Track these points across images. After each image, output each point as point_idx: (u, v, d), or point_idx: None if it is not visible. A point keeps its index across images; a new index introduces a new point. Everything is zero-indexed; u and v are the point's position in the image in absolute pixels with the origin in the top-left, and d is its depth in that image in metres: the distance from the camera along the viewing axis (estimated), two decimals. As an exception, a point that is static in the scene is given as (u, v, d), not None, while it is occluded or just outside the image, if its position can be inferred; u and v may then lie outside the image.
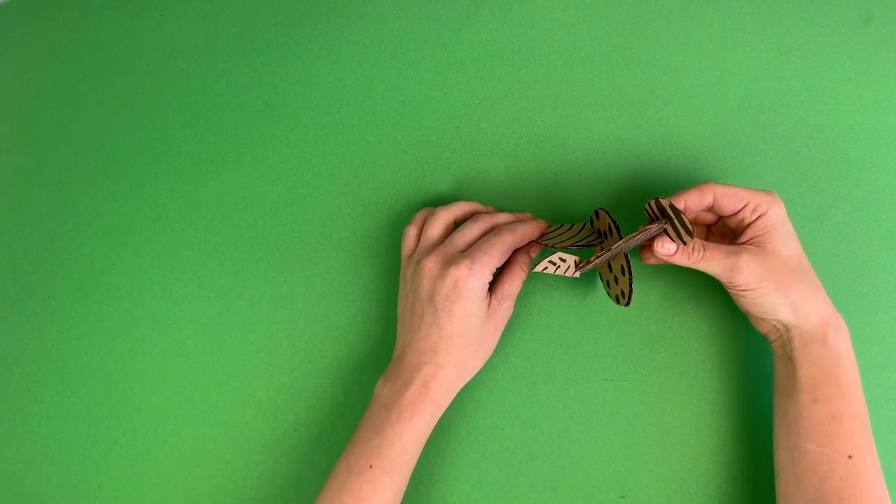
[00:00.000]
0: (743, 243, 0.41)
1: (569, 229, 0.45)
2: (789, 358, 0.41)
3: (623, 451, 0.46)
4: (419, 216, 0.47)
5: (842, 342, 0.40)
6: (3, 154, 0.55)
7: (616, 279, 0.43)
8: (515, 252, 0.44)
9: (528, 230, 0.43)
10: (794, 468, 0.39)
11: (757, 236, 0.41)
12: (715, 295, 0.47)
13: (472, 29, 0.53)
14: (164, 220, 0.52)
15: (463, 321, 0.41)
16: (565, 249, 0.42)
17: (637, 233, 0.40)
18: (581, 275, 0.44)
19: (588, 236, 0.44)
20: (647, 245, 0.43)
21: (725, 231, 0.45)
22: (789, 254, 0.41)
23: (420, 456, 0.42)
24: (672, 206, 0.39)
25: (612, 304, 0.47)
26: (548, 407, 0.47)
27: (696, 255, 0.40)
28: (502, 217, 0.45)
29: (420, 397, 0.41)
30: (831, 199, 0.48)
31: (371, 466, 0.40)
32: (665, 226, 0.40)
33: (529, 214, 0.46)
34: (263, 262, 0.50)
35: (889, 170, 0.48)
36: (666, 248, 0.40)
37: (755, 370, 0.46)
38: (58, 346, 0.51)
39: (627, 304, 0.42)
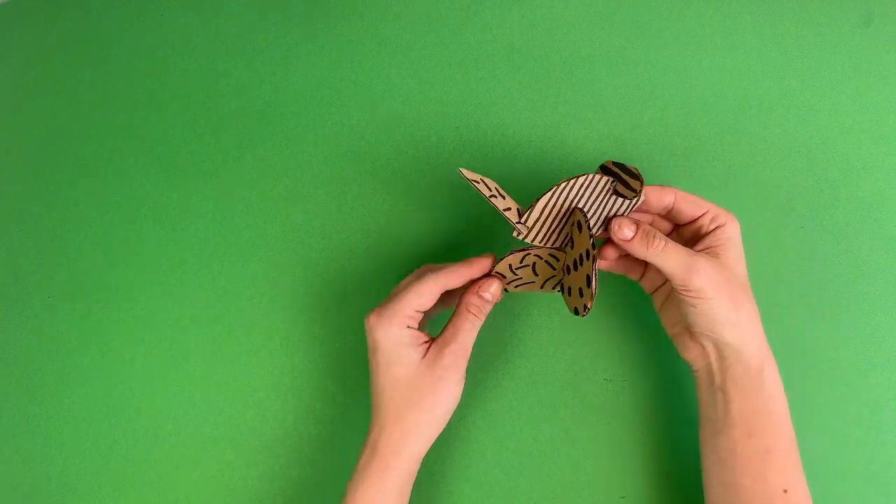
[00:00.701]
0: (700, 251, 0.40)
1: (523, 263, 0.41)
2: (721, 390, 0.39)
3: (623, 451, 0.46)
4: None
5: (775, 374, 0.39)
6: (3, 154, 0.55)
7: (581, 291, 0.40)
8: (465, 293, 0.41)
9: (461, 269, 0.40)
10: (729, 502, 0.38)
11: (713, 247, 0.39)
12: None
13: (472, 29, 0.53)
14: (164, 220, 0.52)
15: (388, 372, 0.39)
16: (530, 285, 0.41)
17: (576, 177, 0.38)
18: (522, 235, 0.40)
19: (550, 277, 0.42)
20: (607, 245, 0.42)
21: (679, 243, 0.43)
22: (740, 272, 0.39)
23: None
24: (613, 162, 0.38)
25: (614, 303, 0.47)
26: (548, 407, 0.47)
27: (656, 242, 0.38)
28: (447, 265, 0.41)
29: (369, 461, 0.39)
30: (831, 199, 0.48)
31: None
32: (614, 183, 0.39)
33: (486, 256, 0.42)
34: (263, 262, 0.50)
35: (889, 170, 0.48)
36: (623, 232, 0.38)
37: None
38: (58, 346, 0.51)
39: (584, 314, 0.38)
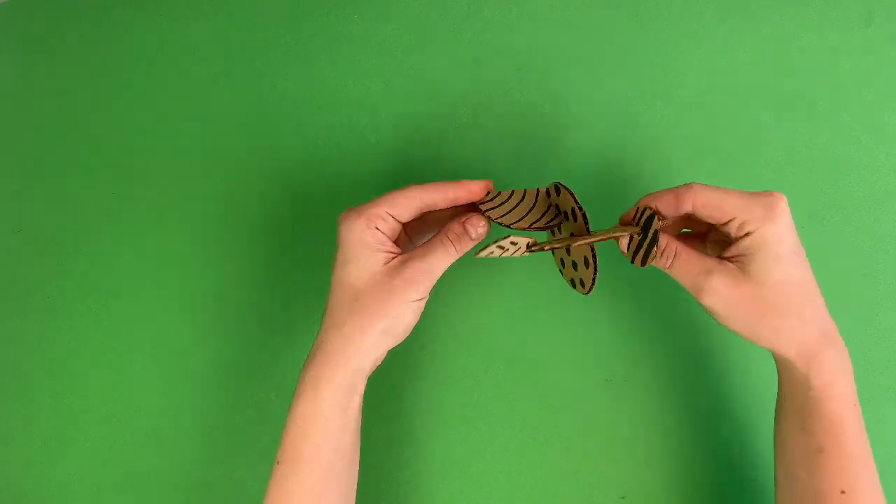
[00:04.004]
0: (728, 258, 0.36)
1: (520, 200, 0.39)
2: (780, 380, 0.38)
3: (623, 451, 0.46)
4: None
5: (828, 376, 0.35)
6: (3, 154, 0.55)
7: (575, 265, 0.39)
8: (451, 221, 0.39)
9: (448, 188, 0.37)
10: (789, 489, 0.38)
11: (741, 255, 0.35)
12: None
13: (472, 29, 0.53)
14: (164, 219, 0.52)
15: (343, 270, 0.36)
16: (521, 231, 0.38)
17: (606, 233, 0.37)
18: (530, 255, 0.39)
19: (545, 214, 0.39)
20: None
21: (719, 238, 0.40)
22: (777, 279, 0.35)
23: (419, 455, 0.42)
24: (656, 232, 0.35)
25: (614, 303, 0.47)
26: (548, 407, 0.46)
27: (664, 260, 0.36)
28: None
29: (306, 371, 0.37)
30: (831, 199, 0.48)
31: (278, 462, 0.36)
32: (637, 236, 0.37)
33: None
34: (264, 263, 0.50)
35: (889, 170, 0.48)
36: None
37: (756, 371, 0.46)
38: (58, 346, 0.51)
39: (588, 293, 0.38)
